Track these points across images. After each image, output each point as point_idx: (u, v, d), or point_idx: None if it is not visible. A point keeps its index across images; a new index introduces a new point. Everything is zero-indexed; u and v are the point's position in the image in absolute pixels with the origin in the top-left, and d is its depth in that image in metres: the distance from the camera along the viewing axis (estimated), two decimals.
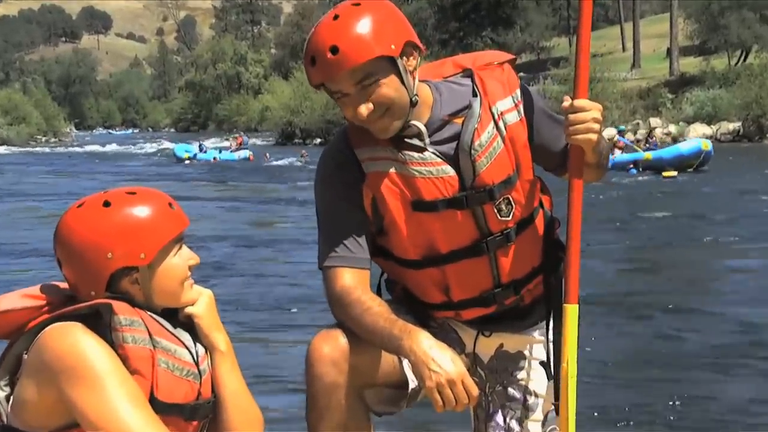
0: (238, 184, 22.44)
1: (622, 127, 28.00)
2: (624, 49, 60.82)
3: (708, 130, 36.68)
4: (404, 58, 2.06)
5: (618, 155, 22.09)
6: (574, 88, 2.15)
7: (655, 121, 38.22)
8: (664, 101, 41.46)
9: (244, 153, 33.58)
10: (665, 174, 20.46)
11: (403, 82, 2.06)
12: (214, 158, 33.10)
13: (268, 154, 33.40)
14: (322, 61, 2.00)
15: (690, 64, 47.47)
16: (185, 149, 34.74)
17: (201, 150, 34.11)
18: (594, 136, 2.12)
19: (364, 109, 2.05)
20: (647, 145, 23.86)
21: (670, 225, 12.33)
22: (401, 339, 1.99)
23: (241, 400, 1.98)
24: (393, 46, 2.02)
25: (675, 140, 24.77)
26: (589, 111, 2.11)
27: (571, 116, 2.11)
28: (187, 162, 32.70)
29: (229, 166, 30.07)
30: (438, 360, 1.96)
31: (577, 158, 2.17)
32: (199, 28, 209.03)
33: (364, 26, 1.99)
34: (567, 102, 2.13)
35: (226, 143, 37.49)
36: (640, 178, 20.53)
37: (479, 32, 58.59)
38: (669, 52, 49.44)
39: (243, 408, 1.97)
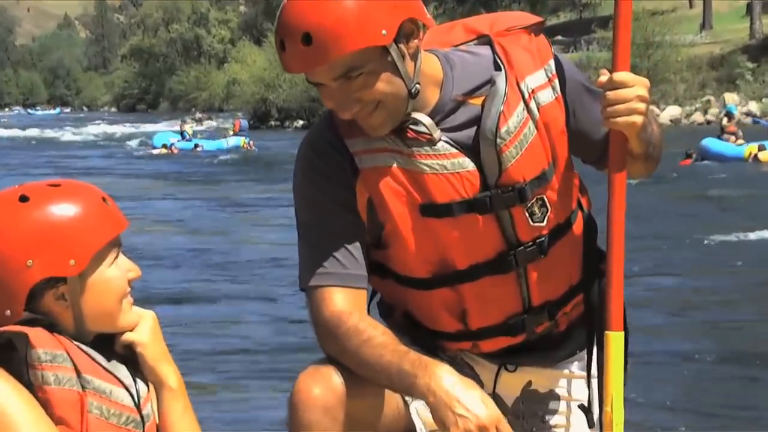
0: (215, 182, 22.17)
1: (733, 106, 27.35)
2: (691, 5, 60.84)
3: None
4: (401, 42, 2.05)
5: None
6: (613, 58, 2.17)
7: (731, 97, 38.17)
8: (743, 72, 41.39)
9: (236, 140, 33.32)
10: None
11: (398, 72, 2.06)
12: (196, 146, 32.87)
13: (252, 142, 33.12)
14: (293, 51, 2.00)
15: None
16: (169, 136, 34.67)
17: (183, 138, 33.98)
18: (639, 119, 2.12)
19: (347, 112, 2.07)
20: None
21: None
22: (415, 376, 2.00)
23: None
24: (384, 32, 2.01)
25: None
26: (633, 87, 2.12)
27: (610, 94, 2.12)
28: (156, 151, 32.52)
29: (208, 160, 29.27)
30: (465, 401, 1.97)
31: (619, 147, 2.18)
32: None
33: (346, 7, 1.97)
34: (604, 76, 2.14)
35: (180, 126, 37.33)
36: None
37: None
38: (749, 8, 49.42)
39: None
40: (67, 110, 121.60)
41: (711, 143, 22.13)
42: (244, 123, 37.07)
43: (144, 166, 27.30)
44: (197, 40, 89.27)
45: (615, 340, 2.18)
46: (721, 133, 22.84)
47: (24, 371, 1.82)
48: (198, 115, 49.47)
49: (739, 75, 41.32)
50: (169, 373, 1.99)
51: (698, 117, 38.84)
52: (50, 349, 1.83)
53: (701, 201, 15.53)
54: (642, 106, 2.12)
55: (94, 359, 1.89)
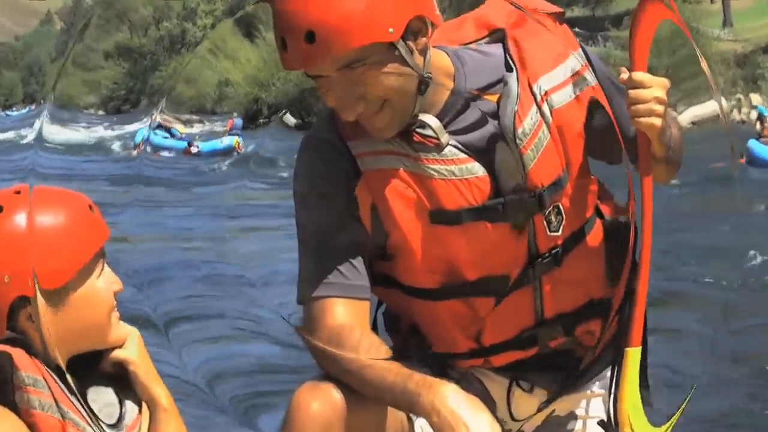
0: (206, 188, 22.19)
1: (764, 108, 27.17)
2: (712, 0, 60.78)
3: None
4: (408, 40, 2.05)
5: None
6: (630, 56, 2.17)
7: (755, 98, 38.16)
8: (764, 72, 41.39)
9: (230, 140, 33.03)
10: None
11: (407, 64, 2.05)
12: (190, 144, 32.69)
13: (240, 141, 32.84)
14: (296, 49, 2.00)
15: None
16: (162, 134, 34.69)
17: (173, 136, 33.89)
18: (657, 121, 2.12)
19: (351, 113, 2.06)
20: None
21: None
22: (419, 394, 2.00)
23: None
24: (391, 30, 2.01)
25: None
26: (651, 88, 2.12)
27: (632, 93, 2.13)
28: (135, 152, 32.45)
29: (200, 165, 29.07)
30: (471, 422, 1.96)
31: (645, 149, 2.19)
32: None
33: (351, 2, 1.97)
34: (625, 74, 2.14)
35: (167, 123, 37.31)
36: None
37: None
38: None
39: None
40: (33, 107, 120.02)
41: (755, 146, 21.78)
42: (238, 121, 36.78)
43: (126, 170, 27.21)
44: (183, 34, 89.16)
45: (632, 356, 2.19)
46: (758, 136, 22.64)
47: (9, 392, 1.82)
48: (231, 115, 49.05)
49: (760, 75, 41.29)
50: (160, 392, 2.00)
51: (735, 114, 38.73)
52: (31, 372, 1.84)
53: (747, 210, 15.40)
54: (659, 108, 2.12)
55: (62, 390, 1.88)
